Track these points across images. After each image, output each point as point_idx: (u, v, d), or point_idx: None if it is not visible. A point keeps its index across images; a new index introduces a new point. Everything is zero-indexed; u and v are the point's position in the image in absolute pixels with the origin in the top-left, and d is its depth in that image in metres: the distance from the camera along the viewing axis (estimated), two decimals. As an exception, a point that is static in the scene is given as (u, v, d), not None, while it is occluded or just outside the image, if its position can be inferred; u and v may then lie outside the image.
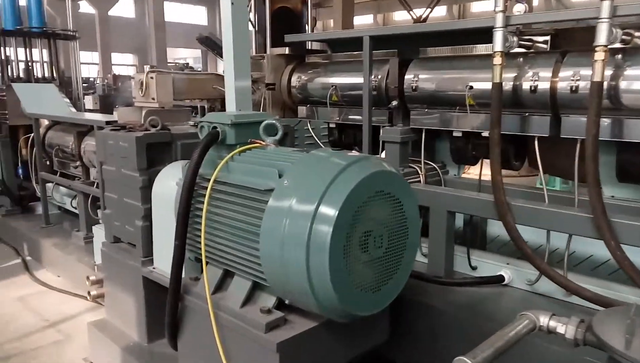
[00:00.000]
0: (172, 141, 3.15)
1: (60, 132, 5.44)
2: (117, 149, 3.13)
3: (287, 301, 2.20)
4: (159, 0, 27.92)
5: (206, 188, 2.42)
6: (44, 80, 6.54)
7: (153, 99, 4.20)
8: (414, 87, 3.57)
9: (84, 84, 14.31)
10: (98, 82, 23.54)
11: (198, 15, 35.87)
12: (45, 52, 6.67)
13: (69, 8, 7.02)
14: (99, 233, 4.31)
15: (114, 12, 30.17)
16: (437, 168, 3.91)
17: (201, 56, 35.55)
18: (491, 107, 3.01)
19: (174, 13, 32.74)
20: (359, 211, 2.00)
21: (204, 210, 2.36)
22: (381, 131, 3.86)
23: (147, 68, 4.20)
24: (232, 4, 3.99)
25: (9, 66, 6.45)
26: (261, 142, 2.53)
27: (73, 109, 5.97)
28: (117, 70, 29.98)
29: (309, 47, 4.88)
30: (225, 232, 2.35)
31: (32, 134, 5.59)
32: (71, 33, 6.67)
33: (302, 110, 4.55)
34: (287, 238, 1.99)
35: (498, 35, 2.94)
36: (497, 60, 2.94)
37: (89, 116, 5.22)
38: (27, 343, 3.80)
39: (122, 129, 3.21)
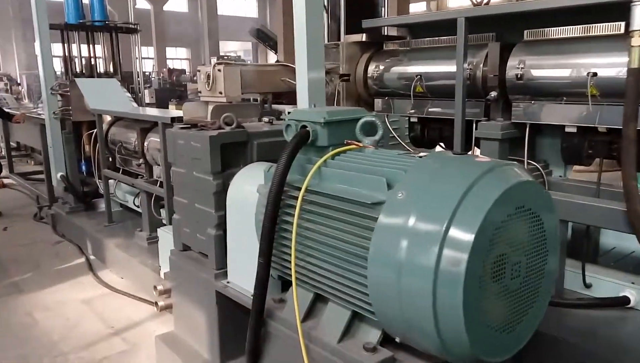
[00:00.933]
0: (248, 141, 2.83)
1: (123, 128, 5.27)
2: (188, 149, 2.84)
3: (397, 339, 1.81)
4: (211, -6, 28.09)
5: (295, 197, 2.07)
6: (105, 75, 6.42)
7: (220, 93, 3.90)
8: (518, 75, 3.08)
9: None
10: (154, 76, 23.99)
11: (249, 8, 35.95)
12: (106, 46, 6.55)
13: (130, 1, 6.87)
14: (165, 236, 4.08)
15: (168, 7, 30.68)
16: (540, 168, 3.41)
17: (251, 49, 35.63)
18: (626, 97, 2.51)
19: (225, 6, 32.89)
20: (496, 233, 1.58)
21: (295, 224, 2.01)
22: (475, 125, 3.41)
23: (213, 60, 3.90)
24: (306, -13, 3.64)
25: (71, 62, 6.36)
26: (358, 143, 2.15)
27: (135, 105, 5.81)
28: (171, 64, 30.54)
29: (385, 34, 4.45)
30: (318, 251, 1.99)
31: (95, 130, 5.45)
32: (133, 26, 6.51)
33: (379, 103, 4.13)
34: (406, 264, 1.60)
35: (637, 11, 2.43)
36: (637, 40, 2.44)
37: (153, 111, 5.02)
38: (93, 352, 3.61)
39: (192, 128, 2.92)
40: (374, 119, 2.12)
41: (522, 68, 3.08)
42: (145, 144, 4.78)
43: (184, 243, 3.08)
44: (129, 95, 5.91)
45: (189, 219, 2.97)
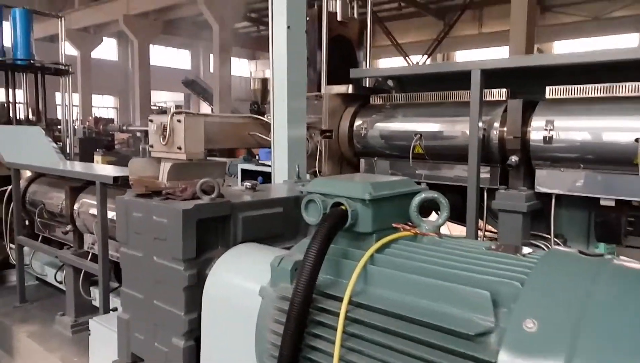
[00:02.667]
0: (231, 215, 2.13)
1: (46, 186, 4.37)
2: (149, 226, 2.09)
3: None
4: (144, 43, 27.16)
5: (331, 312, 1.40)
6: (27, 122, 5.46)
7: (179, 148, 3.20)
8: (547, 138, 2.65)
9: (59, 126, 13.30)
10: (78, 124, 22.49)
11: (181, 59, 35.40)
12: (29, 90, 5.62)
13: (62, 38, 6.01)
14: (98, 330, 3.17)
15: (96, 54, 29.44)
16: (562, 244, 2.96)
17: (183, 100, 34.72)
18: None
19: (156, 56, 31.97)
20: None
21: (336, 358, 1.32)
22: (486, 194, 2.93)
23: (172, 109, 3.21)
24: (289, 27, 3.11)
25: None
26: (413, 228, 1.53)
27: (62, 157, 4.90)
28: (96, 112, 28.92)
29: (366, 85, 3.97)
30: (375, 399, 1.30)
31: (9, 188, 4.48)
32: (63, 67, 5.65)
33: (365, 164, 3.58)
34: None
35: None
36: None
37: (87, 168, 4.16)
38: None
39: (154, 196, 2.19)
40: (436, 195, 1.52)
41: (550, 130, 2.65)
42: (76, 207, 3.91)
43: (133, 353, 2.26)
44: (55, 146, 5.00)
45: (143, 321, 2.17)
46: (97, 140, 20.33)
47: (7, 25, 5.63)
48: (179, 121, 3.20)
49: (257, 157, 8.20)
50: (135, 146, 20.73)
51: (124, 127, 22.24)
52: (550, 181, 2.74)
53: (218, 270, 1.97)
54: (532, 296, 1.14)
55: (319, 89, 3.75)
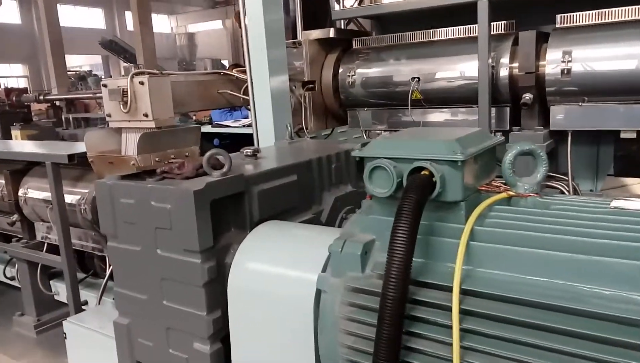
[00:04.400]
0: (245, 191, 1.78)
1: (-24, 172, 3.73)
2: (146, 213, 1.70)
3: None
4: (50, 1, 24.56)
5: (432, 304, 1.13)
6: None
7: (145, 115, 2.72)
8: (564, 71, 2.44)
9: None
10: (-11, 97, 20.45)
11: (94, 19, 32.63)
12: None
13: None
14: (76, 332, 2.75)
15: (-6, 19, 26.52)
16: (575, 184, 2.83)
17: (102, 62, 32.26)
18: None
19: (66, 17, 29.23)
20: None
21: (456, 361, 1.06)
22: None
23: (131, 70, 2.71)
24: (262, -37, 2.70)
25: None
26: (506, 189, 1.27)
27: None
28: (4, 82, 26.34)
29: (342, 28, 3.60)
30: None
31: None
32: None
33: (356, 115, 3.28)
34: None
35: None
36: None
37: (27, 147, 3.56)
38: None
39: (147, 176, 1.79)
40: (533, 146, 1.26)
41: (568, 61, 2.44)
42: (21, 193, 3.36)
43: (139, 362, 1.91)
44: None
45: (150, 326, 1.82)
46: (11, 113, 18.58)
47: None
48: (141, 83, 2.71)
49: (193, 118, 7.64)
50: (56, 116, 19.14)
51: (41, 97, 20.38)
52: (568, 118, 2.56)
53: (243, 258, 1.64)
54: None
55: (294, 36, 3.33)
